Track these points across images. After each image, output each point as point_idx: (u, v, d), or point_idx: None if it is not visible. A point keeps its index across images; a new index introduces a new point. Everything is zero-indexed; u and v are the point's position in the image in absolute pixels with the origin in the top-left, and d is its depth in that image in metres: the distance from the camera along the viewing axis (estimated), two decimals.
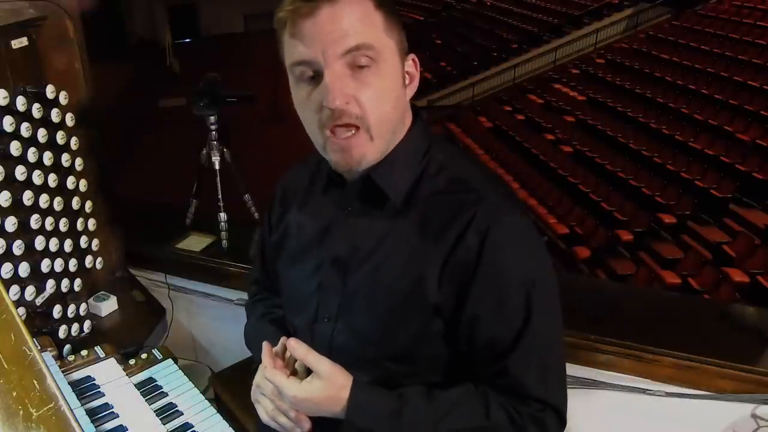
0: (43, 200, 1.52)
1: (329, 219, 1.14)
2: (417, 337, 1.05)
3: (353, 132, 0.99)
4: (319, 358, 1.01)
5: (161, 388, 1.37)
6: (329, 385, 1.01)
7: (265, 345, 1.10)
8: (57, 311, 1.56)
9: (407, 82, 1.06)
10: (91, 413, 1.24)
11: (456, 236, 1.00)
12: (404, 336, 1.06)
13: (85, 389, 1.32)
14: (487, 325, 1.02)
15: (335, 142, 1.00)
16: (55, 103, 1.56)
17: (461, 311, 1.02)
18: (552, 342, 1.07)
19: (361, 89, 0.97)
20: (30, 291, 1.46)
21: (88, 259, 1.71)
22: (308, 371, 1.04)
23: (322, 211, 1.16)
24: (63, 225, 1.58)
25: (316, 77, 0.98)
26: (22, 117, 1.46)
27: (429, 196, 1.05)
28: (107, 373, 1.37)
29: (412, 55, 1.06)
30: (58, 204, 1.57)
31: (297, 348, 1.02)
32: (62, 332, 1.57)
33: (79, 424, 0.87)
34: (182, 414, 1.30)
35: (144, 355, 1.45)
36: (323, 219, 1.15)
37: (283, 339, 1.11)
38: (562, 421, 1.07)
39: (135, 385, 1.35)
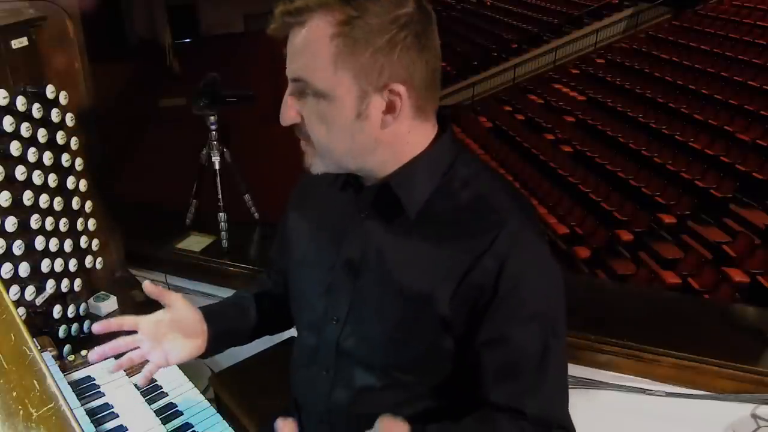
0: (43, 200, 1.52)
1: (344, 222, 1.11)
2: (426, 352, 1.04)
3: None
4: None
5: (161, 388, 1.37)
6: None
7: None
8: (57, 311, 1.56)
9: (383, 111, 0.97)
10: (91, 413, 1.24)
11: (475, 257, 0.98)
12: (412, 348, 1.04)
13: (85, 389, 1.32)
14: (504, 352, 1.00)
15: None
16: (55, 103, 1.56)
17: (475, 333, 1.00)
18: (565, 366, 1.07)
19: (305, 113, 0.99)
20: (30, 291, 1.46)
21: (88, 259, 1.71)
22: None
23: (339, 213, 1.13)
24: (63, 225, 1.58)
25: None
26: (22, 117, 1.46)
27: (449, 211, 1.03)
28: (107, 373, 1.37)
29: (392, 85, 0.95)
30: (58, 204, 1.57)
31: None
32: (62, 332, 1.57)
33: (79, 424, 0.87)
34: (182, 414, 1.30)
35: None
36: (339, 220, 1.13)
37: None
38: None
39: (135, 385, 1.35)
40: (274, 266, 1.40)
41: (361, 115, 0.97)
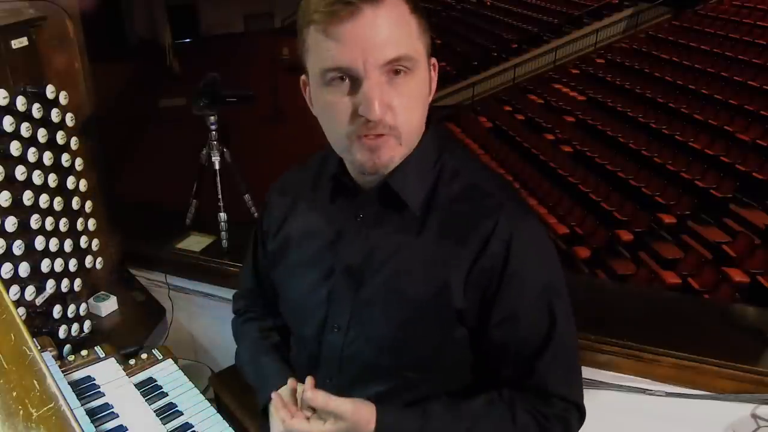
0: (43, 200, 1.52)
1: (339, 226, 1.10)
2: (438, 345, 1.05)
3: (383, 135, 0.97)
4: (340, 402, 0.98)
5: (161, 388, 1.37)
6: (355, 422, 0.99)
7: (276, 397, 1.07)
8: (57, 311, 1.56)
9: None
10: (91, 413, 1.24)
11: (480, 243, 1.00)
12: (425, 344, 1.05)
13: (85, 389, 1.32)
14: (514, 330, 1.03)
15: (365, 142, 0.96)
16: (55, 103, 1.56)
17: (487, 317, 1.03)
18: (573, 340, 1.10)
19: (395, 97, 0.94)
20: (30, 291, 1.46)
21: (88, 259, 1.71)
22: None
23: (331, 218, 1.12)
24: (63, 225, 1.59)
25: (350, 82, 0.93)
26: (22, 117, 1.46)
27: (446, 203, 1.04)
28: (107, 373, 1.37)
29: (433, 59, 1.03)
30: (58, 204, 1.57)
31: (315, 398, 0.99)
32: (62, 332, 1.57)
33: (79, 424, 0.87)
34: (182, 414, 1.30)
35: (144, 355, 1.45)
36: (332, 226, 1.11)
37: (291, 383, 1.11)
38: (583, 416, 1.11)
39: (135, 385, 1.35)
40: (257, 296, 1.36)
41: (429, 88, 1.02)
